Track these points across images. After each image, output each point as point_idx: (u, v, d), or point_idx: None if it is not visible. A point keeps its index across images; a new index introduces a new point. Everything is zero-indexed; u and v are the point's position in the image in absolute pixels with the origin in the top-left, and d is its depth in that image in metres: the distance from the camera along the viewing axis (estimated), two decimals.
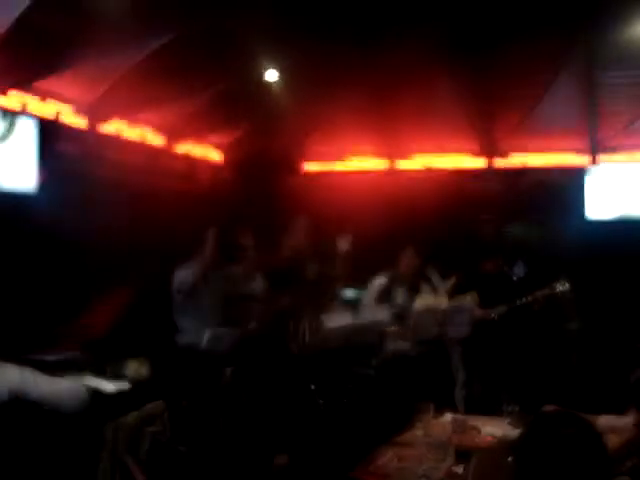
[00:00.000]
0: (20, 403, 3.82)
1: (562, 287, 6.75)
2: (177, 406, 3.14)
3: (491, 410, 4.90)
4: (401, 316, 6.65)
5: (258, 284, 6.91)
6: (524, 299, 6.77)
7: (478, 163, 10.18)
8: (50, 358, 5.45)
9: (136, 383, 5.38)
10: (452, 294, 6.69)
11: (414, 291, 6.88)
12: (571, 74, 8.35)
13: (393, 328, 6.70)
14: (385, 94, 9.19)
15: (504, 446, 3.30)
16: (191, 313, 6.44)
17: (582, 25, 7.63)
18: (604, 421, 3.46)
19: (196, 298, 6.41)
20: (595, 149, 9.70)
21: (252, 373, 3.12)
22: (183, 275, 6.43)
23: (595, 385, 7.21)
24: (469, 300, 6.49)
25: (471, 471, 2.95)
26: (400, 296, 6.93)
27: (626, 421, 3.35)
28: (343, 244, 6.95)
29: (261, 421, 2.97)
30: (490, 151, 10.00)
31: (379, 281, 7.08)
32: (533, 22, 7.45)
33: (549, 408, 2.41)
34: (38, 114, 6.97)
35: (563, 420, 2.22)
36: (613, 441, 2.89)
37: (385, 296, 6.93)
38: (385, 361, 6.84)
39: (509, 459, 2.83)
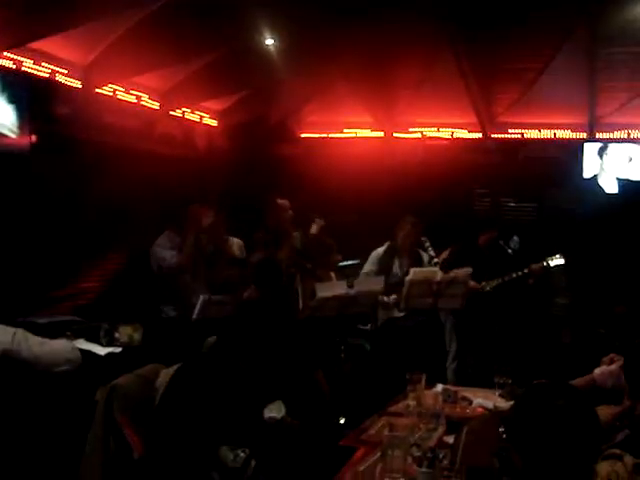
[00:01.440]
0: (12, 363, 3.83)
1: (556, 261, 6.77)
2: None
3: (482, 382, 4.92)
4: (397, 286, 6.67)
5: (238, 250, 6.94)
6: (518, 272, 6.81)
7: (476, 136, 10.13)
8: (43, 321, 5.44)
9: (129, 348, 5.39)
10: (446, 266, 6.69)
11: (414, 261, 6.90)
12: (572, 49, 8.28)
13: (387, 298, 6.73)
14: (384, 66, 9.12)
15: (495, 417, 3.32)
16: (174, 282, 6.44)
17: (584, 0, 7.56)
18: (599, 370, 3.51)
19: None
20: (593, 124, 9.67)
21: (245, 339, 3.10)
22: (168, 256, 6.40)
23: (585, 359, 7.25)
24: (463, 272, 6.50)
25: (462, 441, 2.96)
26: (401, 266, 6.95)
27: (619, 364, 3.39)
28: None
29: (250, 388, 2.97)
30: (488, 124, 9.95)
31: (379, 250, 7.10)
32: None
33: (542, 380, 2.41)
34: (32, 75, 6.89)
35: (555, 391, 2.23)
36: (606, 412, 2.90)
37: (385, 266, 6.95)
38: (378, 331, 6.87)
39: (500, 430, 2.85)
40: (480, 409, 4.00)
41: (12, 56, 6.65)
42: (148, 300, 7.10)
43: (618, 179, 9.63)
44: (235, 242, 6.99)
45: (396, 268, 6.95)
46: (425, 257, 6.97)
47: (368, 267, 7.08)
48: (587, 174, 9.73)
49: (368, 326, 6.93)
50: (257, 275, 5.91)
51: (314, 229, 7.30)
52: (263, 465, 2.78)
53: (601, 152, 9.70)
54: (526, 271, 6.81)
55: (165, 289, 6.58)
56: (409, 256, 6.98)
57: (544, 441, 2.14)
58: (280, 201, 7.19)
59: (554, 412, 2.16)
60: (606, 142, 9.64)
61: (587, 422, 2.16)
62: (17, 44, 6.50)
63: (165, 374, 3.28)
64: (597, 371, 3.61)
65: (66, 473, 3.50)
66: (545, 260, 6.87)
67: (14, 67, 6.70)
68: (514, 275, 6.83)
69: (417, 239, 6.95)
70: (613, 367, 3.53)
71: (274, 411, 3.50)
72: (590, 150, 9.70)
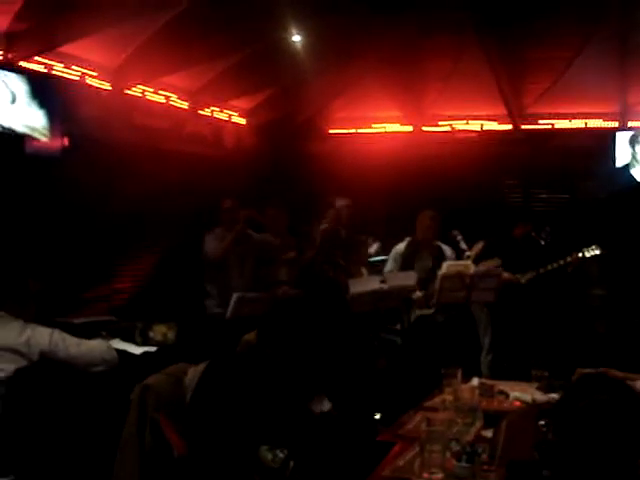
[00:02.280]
0: (50, 364, 3.87)
1: (593, 252, 6.70)
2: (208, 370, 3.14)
3: (517, 375, 4.88)
4: (426, 281, 6.64)
5: (286, 249, 7.00)
6: (554, 264, 6.73)
7: (505, 127, 10.05)
8: (79, 321, 5.49)
9: (163, 347, 5.43)
10: (479, 259, 6.65)
11: (436, 256, 6.88)
12: (602, 37, 8.18)
13: (419, 293, 6.71)
14: (411, 59, 9.08)
15: (533, 410, 3.29)
16: (221, 279, 6.54)
17: None
18: None
19: (226, 265, 6.52)
20: (625, 113, 9.54)
21: (282, 338, 3.10)
22: (213, 246, 6.53)
23: (622, 351, 7.17)
24: (494, 264, 6.46)
25: (502, 434, 2.94)
26: (423, 261, 6.92)
27: None
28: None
29: (291, 385, 2.97)
30: (518, 116, 9.86)
31: (400, 245, 7.09)
32: None
33: (587, 371, 2.37)
34: (63, 78, 6.95)
35: (600, 384, 2.19)
36: None
37: (408, 261, 6.92)
38: (411, 326, 6.84)
39: (540, 422, 2.81)
40: (517, 402, 3.96)
41: (43, 60, 6.72)
42: (182, 298, 7.15)
43: None
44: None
45: (421, 263, 6.93)
46: (447, 251, 6.94)
47: (390, 265, 7.07)
48: (619, 163, 9.60)
49: (398, 325, 6.91)
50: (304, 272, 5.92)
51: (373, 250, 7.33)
52: (302, 465, 2.78)
53: (633, 141, 9.56)
54: (562, 262, 6.73)
55: (209, 284, 6.66)
56: (430, 251, 6.96)
57: (588, 435, 2.11)
58: (343, 201, 7.23)
59: (599, 406, 2.13)
60: (638, 130, 9.51)
61: (632, 415, 2.12)
62: (47, 48, 6.57)
63: (193, 372, 3.29)
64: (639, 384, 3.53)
65: (103, 472, 3.53)
66: (582, 251, 6.78)
67: (45, 71, 6.77)
68: (549, 267, 6.76)
69: (436, 233, 6.94)
70: None
71: (321, 405, 3.49)
72: (622, 139, 9.57)
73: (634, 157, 9.54)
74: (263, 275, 6.76)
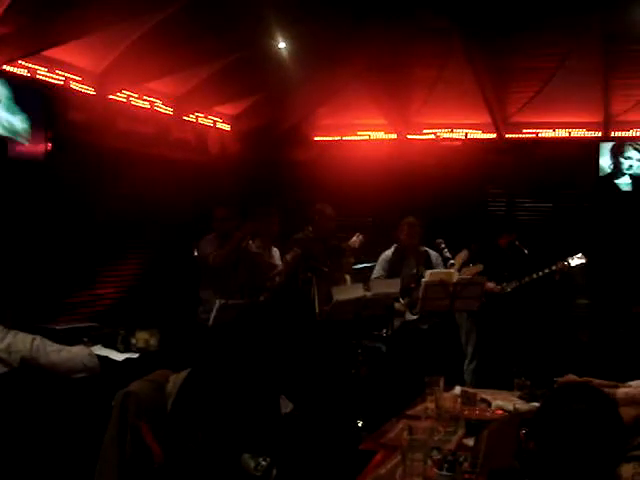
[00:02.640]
0: (31, 370, 3.85)
1: (578, 260, 6.72)
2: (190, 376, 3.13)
3: (500, 384, 4.89)
4: (409, 288, 6.66)
5: (275, 257, 6.99)
6: (538, 273, 6.75)
7: (490, 136, 10.09)
8: (61, 327, 5.47)
9: (145, 354, 5.40)
10: (463, 266, 6.68)
11: (422, 262, 6.90)
12: (586, 47, 8.23)
13: (402, 301, 6.72)
14: (397, 67, 9.11)
15: (515, 419, 3.29)
16: (214, 286, 6.51)
17: None
18: (623, 392, 3.45)
19: (223, 273, 6.50)
20: (608, 124, 9.60)
21: (248, 343, 3.09)
22: (209, 250, 6.50)
23: (605, 360, 7.21)
24: (476, 270, 6.48)
25: (483, 443, 2.94)
26: (410, 267, 6.94)
27: None
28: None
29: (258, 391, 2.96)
30: (502, 125, 9.90)
31: (387, 252, 7.11)
32: None
33: (569, 378, 2.38)
34: (47, 83, 6.92)
35: (578, 393, 2.21)
36: (629, 413, 2.87)
37: (395, 267, 6.94)
38: (395, 334, 6.85)
39: (521, 431, 2.82)
40: (499, 411, 3.97)
41: (26, 64, 6.69)
42: (165, 305, 7.12)
43: (633, 177, 9.54)
44: (275, 251, 7.05)
45: (405, 269, 6.96)
46: (433, 257, 6.97)
47: (378, 271, 7.09)
48: (603, 173, 9.65)
49: (383, 332, 6.91)
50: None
51: (355, 243, 7.29)
52: (285, 473, 2.77)
53: (616, 151, 9.62)
54: (547, 271, 6.75)
55: (203, 291, 6.63)
56: (416, 257, 6.98)
57: (567, 443, 2.12)
58: (329, 211, 7.20)
59: (577, 414, 2.14)
60: (622, 140, 9.57)
61: (610, 424, 2.13)
62: (31, 52, 6.53)
63: (175, 379, 3.28)
64: (620, 392, 3.54)
65: (83, 477, 3.50)
66: (567, 259, 6.80)
67: (28, 75, 6.73)
68: (534, 276, 6.78)
69: (419, 239, 6.97)
70: (637, 392, 3.45)
71: (283, 406, 3.48)
72: (605, 149, 9.63)
73: (618, 167, 9.60)
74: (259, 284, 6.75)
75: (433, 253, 7.05)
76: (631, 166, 9.56)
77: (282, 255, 7.01)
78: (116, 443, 3.19)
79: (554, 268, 6.76)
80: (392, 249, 7.14)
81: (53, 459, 3.95)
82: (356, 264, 7.42)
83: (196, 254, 6.75)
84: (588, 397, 2.18)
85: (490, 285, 6.62)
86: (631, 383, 3.71)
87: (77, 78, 7.24)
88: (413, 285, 6.71)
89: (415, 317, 6.82)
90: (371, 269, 7.41)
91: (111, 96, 7.69)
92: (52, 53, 6.82)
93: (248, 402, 2.89)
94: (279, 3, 6.63)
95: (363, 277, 7.10)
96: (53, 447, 3.96)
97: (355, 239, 7.14)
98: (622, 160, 9.60)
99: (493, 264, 6.68)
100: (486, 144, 10.08)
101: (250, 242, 6.75)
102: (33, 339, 3.92)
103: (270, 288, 6.73)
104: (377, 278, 6.97)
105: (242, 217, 6.83)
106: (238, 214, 6.82)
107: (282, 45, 7.75)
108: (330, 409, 4.03)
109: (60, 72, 7.06)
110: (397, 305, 6.72)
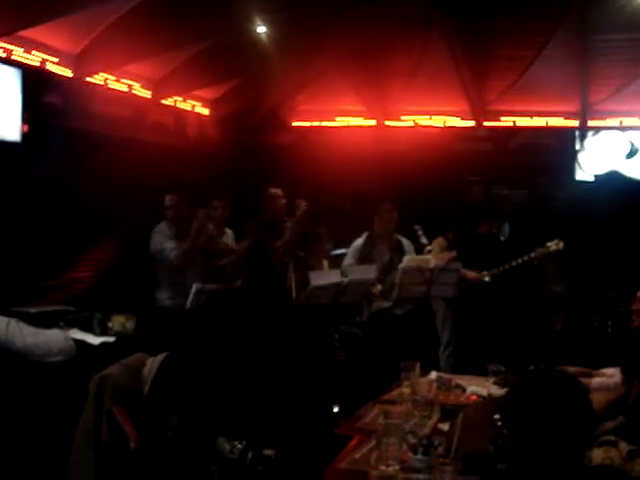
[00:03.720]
0: (5, 353, 3.82)
1: (556, 246, 6.75)
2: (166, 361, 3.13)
3: (476, 370, 4.93)
4: (384, 274, 6.69)
5: (231, 240, 6.98)
6: (517, 260, 6.77)
7: (468, 124, 10.13)
8: (35, 310, 5.43)
9: (122, 337, 5.39)
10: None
11: (394, 249, 6.93)
12: (564, 36, 8.26)
13: (379, 287, 6.75)
14: (376, 53, 9.09)
15: (489, 404, 3.33)
16: (173, 273, 6.50)
17: None
18: (598, 382, 3.51)
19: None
20: (585, 112, 9.67)
21: (221, 329, 3.09)
22: (169, 246, 6.47)
23: (578, 347, 7.28)
24: (449, 255, 6.53)
25: (457, 427, 2.97)
26: (382, 254, 6.97)
27: (616, 380, 3.38)
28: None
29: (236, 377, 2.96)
30: (480, 112, 9.94)
31: (358, 240, 7.13)
32: None
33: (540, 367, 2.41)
34: (23, 64, 6.84)
35: (548, 378, 2.24)
36: (599, 399, 2.91)
37: (366, 256, 6.97)
38: (371, 319, 6.89)
39: (495, 416, 2.85)
40: (474, 396, 4.01)
41: (2, 45, 6.60)
42: (140, 289, 7.09)
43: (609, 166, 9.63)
44: (229, 233, 7.05)
45: (376, 257, 6.97)
46: (405, 244, 7.00)
47: (349, 259, 7.11)
48: (580, 161, 9.73)
49: (357, 318, 6.93)
50: (245, 263, 5.89)
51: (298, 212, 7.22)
52: (260, 456, 2.78)
53: (582, 138, 9.72)
54: (526, 258, 6.76)
55: (161, 277, 6.64)
56: (388, 244, 7.01)
57: (537, 427, 2.15)
58: (274, 190, 7.17)
59: (546, 399, 2.17)
60: (598, 130, 9.66)
61: (580, 409, 2.17)
62: (7, 32, 6.45)
63: (151, 362, 3.27)
64: (595, 382, 3.60)
65: (59, 463, 3.50)
66: (545, 245, 6.81)
67: (4, 55, 6.65)
68: (514, 263, 6.78)
69: (394, 226, 7.00)
70: (611, 382, 3.50)
71: None
72: (583, 137, 9.71)
73: (581, 154, 9.69)
74: (218, 268, 6.72)
75: (405, 241, 7.08)
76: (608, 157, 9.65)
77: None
78: (92, 428, 3.18)
79: (533, 255, 6.77)
80: (363, 237, 7.16)
81: (27, 444, 3.93)
82: (334, 250, 7.43)
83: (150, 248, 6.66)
84: (558, 381, 2.22)
85: (471, 274, 6.66)
86: (604, 371, 3.77)
87: (54, 59, 7.16)
88: (387, 271, 6.74)
89: (390, 304, 6.86)
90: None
91: (88, 78, 7.62)
92: (28, 34, 6.73)
93: (224, 386, 2.90)
94: None
95: (340, 263, 7.12)
96: (28, 432, 3.94)
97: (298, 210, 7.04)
98: (587, 148, 9.70)
99: (471, 252, 6.71)
100: (464, 131, 10.12)
101: (209, 227, 6.72)
102: (8, 322, 3.89)
103: (228, 273, 6.71)
104: (348, 266, 6.97)
105: (192, 203, 6.80)
106: (188, 200, 6.80)
107: (262, 29, 7.71)
108: (307, 394, 4.05)
109: (37, 53, 6.97)
110: (375, 289, 6.75)
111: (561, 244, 6.76)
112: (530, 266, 6.80)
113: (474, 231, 7.12)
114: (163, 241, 6.57)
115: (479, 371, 4.67)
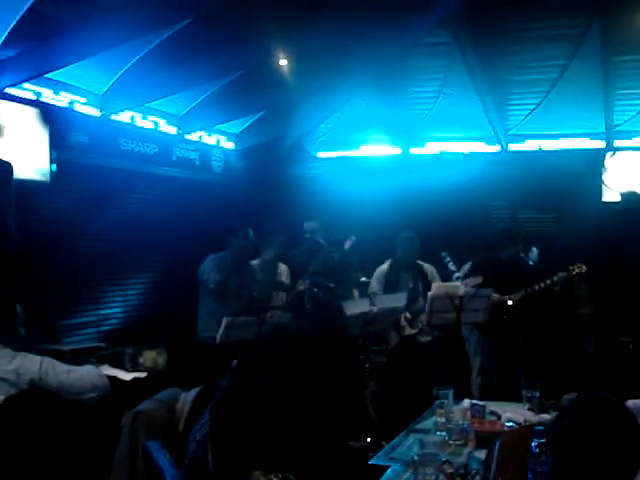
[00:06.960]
0: (40, 392, 3.84)
1: (579, 270, 6.69)
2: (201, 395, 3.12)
3: (507, 396, 4.88)
4: (409, 302, 6.65)
5: (281, 274, 6.99)
6: (541, 284, 6.71)
7: (493, 148, 10.11)
8: (67, 348, 5.47)
9: (153, 373, 5.41)
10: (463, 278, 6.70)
11: (417, 276, 6.92)
12: (586, 58, 8.26)
13: (409, 315, 6.73)
14: (398, 82, 9.15)
15: (527, 431, 3.29)
16: (215, 304, 6.50)
17: (598, 7, 7.54)
18: (631, 404, 3.44)
19: (222, 291, 6.49)
20: (610, 133, 9.61)
21: (274, 363, 3.04)
22: (214, 272, 6.47)
23: (611, 370, 7.19)
24: (476, 282, 6.48)
25: (495, 455, 2.93)
26: (405, 282, 6.94)
27: None
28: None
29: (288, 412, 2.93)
30: (504, 137, 9.93)
31: (382, 267, 7.12)
32: (548, 4, 7.38)
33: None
34: (52, 105, 6.96)
35: (595, 404, 2.20)
36: None
37: (391, 283, 6.95)
38: (396, 347, 6.86)
39: (532, 443, 2.80)
40: (509, 423, 3.96)
41: (32, 87, 6.74)
42: (172, 323, 7.13)
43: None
44: (283, 268, 7.03)
45: (400, 284, 6.95)
46: (428, 271, 6.97)
47: (375, 286, 7.09)
48: (606, 183, 9.65)
49: (383, 346, 6.91)
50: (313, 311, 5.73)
51: (347, 245, 7.33)
52: None
53: (605, 160, 9.66)
54: (549, 282, 6.70)
55: (205, 306, 6.61)
56: (411, 271, 7.00)
57: (585, 453, 2.11)
58: (308, 224, 7.23)
59: (595, 424, 2.13)
60: (624, 149, 9.59)
61: (629, 434, 2.12)
62: (36, 75, 6.57)
63: (185, 398, 3.27)
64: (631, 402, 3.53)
65: None
66: (568, 269, 6.75)
67: (34, 98, 6.77)
68: (537, 287, 6.72)
69: (415, 254, 6.97)
70: None
71: None
72: (609, 159, 9.64)
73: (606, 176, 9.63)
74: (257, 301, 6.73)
75: (427, 266, 7.06)
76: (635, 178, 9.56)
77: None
78: (127, 465, 3.18)
79: (555, 279, 6.71)
80: (387, 264, 7.14)
81: None
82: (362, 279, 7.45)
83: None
84: (605, 407, 2.17)
85: (495, 297, 6.60)
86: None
87: (82, 99, 7.29)
88: (411, 298, 6.73)
89: (415, 331, 6.83)
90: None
91: (115, 116, 7.74)
92: (56, 75, 6.87)
93: (264, 418, 2.88)
94: (281, 21, 6.66)
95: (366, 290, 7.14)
96: (63, 470, 3.94)
97: (348, 242, 7.23)
98: (611, 170, 9.61)
99: (497, 276, 6.67)
100: (489, 157, 10.11)
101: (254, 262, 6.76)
102: (42, 360, 3.91)
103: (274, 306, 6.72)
104: (374, 293, 6.97)
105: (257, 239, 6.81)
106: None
107: (283, 62, 7.79)
108: (341, 426, 4.01)
109: (65, 94, 7.11)
110: (405, 318, 6.74)
111: (584, 267, 6.69)
112: (548, 293, 6.73)
113: (499, 255, 7.04)
114: (210, 271, 6.54)
115: (512, 397, 4.62)
